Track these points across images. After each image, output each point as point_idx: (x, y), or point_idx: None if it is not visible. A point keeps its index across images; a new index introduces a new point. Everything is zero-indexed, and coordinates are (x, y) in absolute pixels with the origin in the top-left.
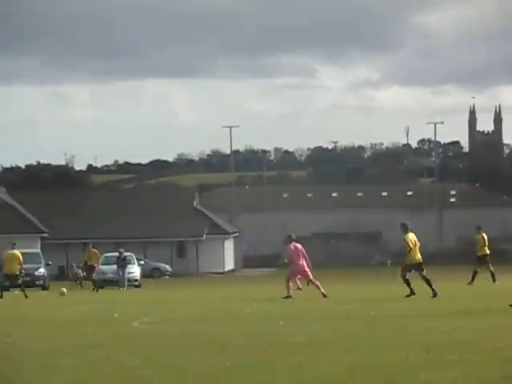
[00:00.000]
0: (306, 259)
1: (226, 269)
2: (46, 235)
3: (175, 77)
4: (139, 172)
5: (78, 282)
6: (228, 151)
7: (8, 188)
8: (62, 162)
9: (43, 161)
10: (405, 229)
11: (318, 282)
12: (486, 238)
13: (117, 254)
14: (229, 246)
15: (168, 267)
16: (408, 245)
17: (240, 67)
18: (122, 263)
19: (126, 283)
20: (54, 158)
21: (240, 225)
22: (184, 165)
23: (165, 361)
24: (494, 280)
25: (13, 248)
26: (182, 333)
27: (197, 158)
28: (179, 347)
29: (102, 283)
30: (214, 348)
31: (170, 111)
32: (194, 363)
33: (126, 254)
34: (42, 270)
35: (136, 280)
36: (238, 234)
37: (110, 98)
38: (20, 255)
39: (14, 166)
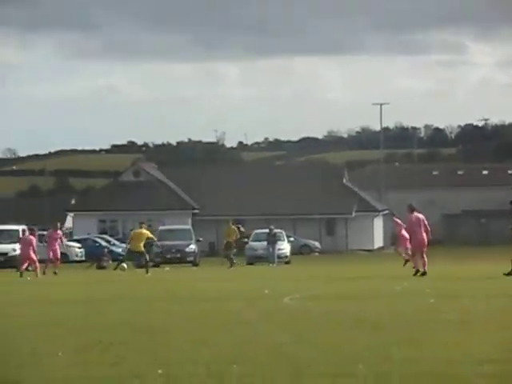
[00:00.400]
0: (427, 231)
1: (376, 246)
2: (196, 212)
3: (326, 54)
4: (289, 149)
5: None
6: (378, 128)
7: (159, 165)
8: (213, 139)
9: (194, 138)
10: None
11: (425, 259)
12: None
13: (267, 230)
14: (378, 223)
15: (317, 244)
16: None
17: (391, 44)
18: (272, 240)
19: (276, 260)
20: (205, 135)
21: (389, 202)
22: (333, 142)
23: (314, 338)
24: None
25: (141, 227)
26: (332, 310)
27: (346, 135)
28: (329, 324)
29: (253, 259)
30: (363, 326)
31: (319, 88)
32: (343, 341)
33: (276, 230)
34: (192, 247)
35: (286, 256)
36: (387, 212)
37: (260, 75)
38: (148, 233)
39: (165, 143)
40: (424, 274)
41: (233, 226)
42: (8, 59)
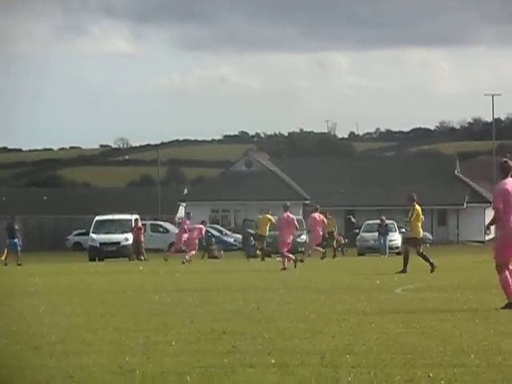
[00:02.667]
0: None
1: (487, 238)
2: (308, 202)
3: (438, 45)
4: (400, 140)
5: (340, 248)
6: (489, 119)
7: (271, 155)
8: (325, 130)
9: (306, 128)
10: None
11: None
12: None
13: (378, 221)
14: (490, 214)
15: (429, 235)
16: None
17: (504, 35)
18: (384, 231)
19: (388, 250)
20: (317, 125)
21: None
22: (445, 133)
23: (428, 328)
24: None
25: (266, 213)
26: (445, 300)
27: (458, 126)
28: (442, 315)
29: (364, 250)
30: (477, 316)
31: (431, 79)
32: (456, 331)
33: (387, 221)
34: (303, 237)
35: (397, 247)
36: None
37: (372, 65)
38: (272, 219)
39: (277, 133)
40: None
41: (267, 216)
42: (121, 49)
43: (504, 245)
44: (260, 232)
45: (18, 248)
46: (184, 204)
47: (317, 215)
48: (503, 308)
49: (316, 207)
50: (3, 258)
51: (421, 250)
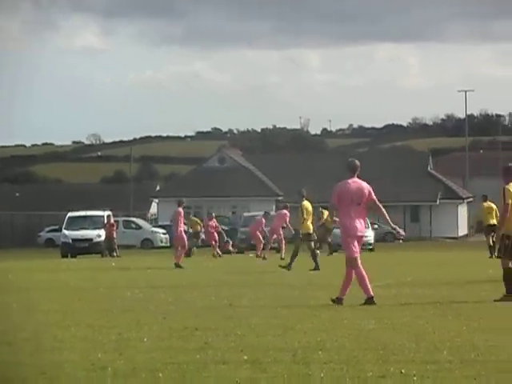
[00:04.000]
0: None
1: (460, 234)
2: (280, 198)
3: (408, 41)
4: (373, 136)
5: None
6: (462, 115)
7: (244, 151)
8: (297, 126)
9: (279, 124)
10: None
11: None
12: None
13: None
14: (462, 211)
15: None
16: None
17: (474, 32)
18: None
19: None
20: (290, 121)
21: (474, 190)
22: (418, 129)
23: (400, 325)
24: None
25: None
26: (417, 296)
27: (431, 123)
28: (414, 310)
29: (336, 247)
30: (450, 312)
31: (404, 75)
32: (429, 326)
33: None
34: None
35: (370, 244)
36: (471, 200)
37: (343, 62)
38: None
39: (250, 129)
40: None
41: (193, 218)
42: (92, 45)
43: None
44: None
45: None
46: (156, 200)
47: (283, 212)
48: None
49: (285, 204)
50: None
51: (313, 247)
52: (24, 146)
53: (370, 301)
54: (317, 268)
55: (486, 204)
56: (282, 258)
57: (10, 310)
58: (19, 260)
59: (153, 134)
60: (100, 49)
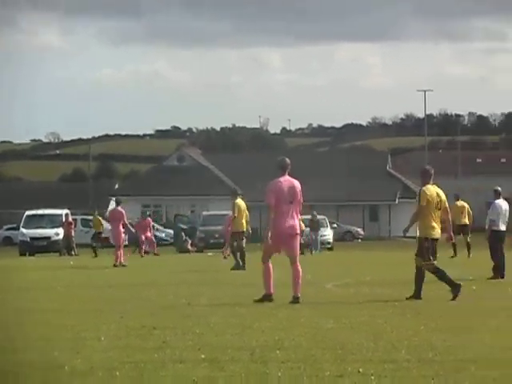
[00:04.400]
0: None
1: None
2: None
3: (369, 40)
4: (333, 135)
5: None
6: (421, 115)
7: (203, 150)
8: (257, 125)
9: (238, 123)
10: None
11: None
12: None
13: (309, 217)
14: None
15: (360, 230)
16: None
17: (433, 31)
18: (315, 226)
19: (319, 246)
20: (249, 120)
21: None
22: (377, 128)
23: (358, 324)
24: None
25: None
26: (376, 295)
27: (390, 122)
28: (372, 309)
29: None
30: (408, 311)
31: (364, 75)
32: (387, 326)
33: (318, 217)
34: None
35: (329, 243)
36: None
37: (303, 61)
38: None
39: (209, 128)
40: None
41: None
42: (50, 44)
43: None
44: None
45: None
46: (115, 199)
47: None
48: None
49: None
50: None
51: (243, 245)
52: None
53: (267, 297)
54: (239, 267)
55: (458, 203)
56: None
57: None
58: None
59: (112, 133)
60: (60, 47)
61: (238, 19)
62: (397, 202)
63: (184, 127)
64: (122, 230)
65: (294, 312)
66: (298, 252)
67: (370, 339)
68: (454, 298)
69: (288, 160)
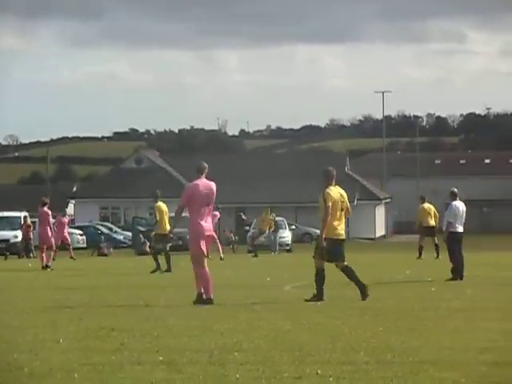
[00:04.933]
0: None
1: (377, 235)
2: None
3: (327, 42)
4: (291, 137)
5: (231, 246)
6: (380, 116)
7: (161, 152)
8: (215, 127)
9: (196, 125)
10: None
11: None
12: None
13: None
14: (380, 211)
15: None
16: None
17: (391, 33)
18: (274, 228)
19: (278, 248)
20: (207, 122)
21: (391, 191)
22: (335, 130)
23: (316, 325)
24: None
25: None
26: (335, 298)
27: (348, 123)
28: (331, 311)
29: (254, 247)
30: (367, 312)
31: (321, 76)
32: (345, 328)
33: (277, 218)
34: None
35: (287, 245)
36: (389, 200)
37: (261, 63)
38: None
39: (167, 130)
40: None
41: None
42: (8, 46)
43: None
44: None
45: None
46: (73, 201)
47: (215, 213)
48: None
49: (217, 206)
50: None
51: (167, 248)
52: None
53: (208, 301)
54: (157, 268)
55: (424, 205)
56: (221, 259)
57: None
58: None
59: (70, 135)
60: (17, 49)
61: (194, 21)
62: (355, 203)
63: (142, 129)
64: (50, 231)
65: (253, 314)
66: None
67: (329, 341)
68: (363, 298)
69: (205, 164)
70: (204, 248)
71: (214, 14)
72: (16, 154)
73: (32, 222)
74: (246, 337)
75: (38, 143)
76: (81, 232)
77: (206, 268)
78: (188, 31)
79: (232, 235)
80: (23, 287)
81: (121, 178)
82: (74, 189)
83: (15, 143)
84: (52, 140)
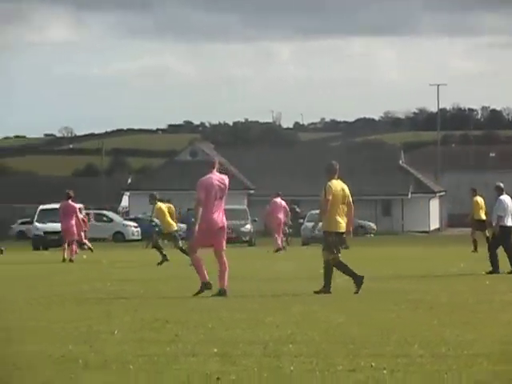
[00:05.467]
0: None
1: (432, 228)
2: (252, 192)
3: (382, 35)
4: (345, 130)
5: (285, 238)
6: (434, 109)
7: (216, 144)
8: (270, 120)
9: (251, 118)
10: None
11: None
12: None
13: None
14: (434, 204)
15: (373, 225)
16: None
17: (445, 25)
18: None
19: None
20: (262, 115)
21: (445, 184)
22: (390, 123)
23: (370, 318)
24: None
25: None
26: (388, 291)
27: (403, 116)
28: (385, 305)
29: (308, 240)
30: (420, 306)
31: (376, 69)
32: (399, 321)
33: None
34: (248, 227)
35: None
36: (443, 193)
37: (316, 55)
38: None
39: (222, 122)
40: None
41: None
42: (62, 38)
43: None
44: None
45: None
46: (128, 193)
47: (278, 200)
48: None
49: (278, 192)
50: None
51: (180, 244)
52: None
53: (206, 286)
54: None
55: (476, 198)
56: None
57: None
58: None
59: (124, 127)
60: (71, 41)
61: (249, 13)
62: (409, 196)
63: (197, 122)
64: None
65: (306, 307)
66: (225, 245)
67: (383, 334)
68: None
69: (216, 159)
70: (209, 240)
71: (269, 5)
72: (71, 146)
73: (86, 214)
74: (299, 329)
75: (93, 135)
76: (135, 224)
77: (198, 255)
78: (243, 23)
79: (286, 228)
80: (78, 279)
81: (175, 170)
82: (129, 181)
83: (70, 135)
84: (106, 132)
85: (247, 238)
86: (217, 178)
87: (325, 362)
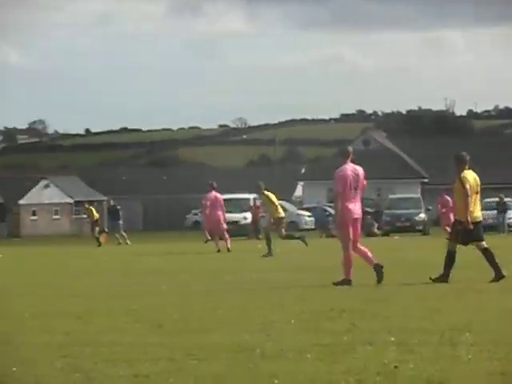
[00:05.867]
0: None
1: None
2: (426, 180)
3: None
4: None
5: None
6: None
7: (388, 133)
8: (443, 107)
9: (424, 106)
10: None
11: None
12: None
13: (496, 199)
14: None
15: None
16: None
17: None
18: (502, 209)
19: (506, 228)
20: (435, 103)
21: None
22: None
23: None
24: None
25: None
26: None
27: None
28: None
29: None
30: None
31: None
32: None
33: (506, 199)
34: (422, 216)
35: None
36: None
37: (487, 42)
38: None
39: (395, 111)
40: None
41: None
42: (236, 29)
43: None
44: None
45: (121, 229)
46: (302, 183)
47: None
48: None
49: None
50: (103, 240)
51: (283, 232)
52: (171, 129)
53: (346, 282)
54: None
55: None
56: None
57: (158, 292)
58: (165, 243)
59: (297, 117)
60: (244, 33)
61: (419, 2)
62: None
63: (369, 110)
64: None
65: (482, 295)
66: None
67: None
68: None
69: (351, 148)
70: (351, 232)
71: None
72: (244, 137)
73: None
74: (476, 317)
75: (267, 126)
76: (308, 213)
77: (351, 251)
78: (413, 13)
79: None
80: (252, 269)
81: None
82: (303, 170)
83: (244, 126)
84: (280, 122)
85: (421, 227)
86: (351, 168)
87: (503, 350)
